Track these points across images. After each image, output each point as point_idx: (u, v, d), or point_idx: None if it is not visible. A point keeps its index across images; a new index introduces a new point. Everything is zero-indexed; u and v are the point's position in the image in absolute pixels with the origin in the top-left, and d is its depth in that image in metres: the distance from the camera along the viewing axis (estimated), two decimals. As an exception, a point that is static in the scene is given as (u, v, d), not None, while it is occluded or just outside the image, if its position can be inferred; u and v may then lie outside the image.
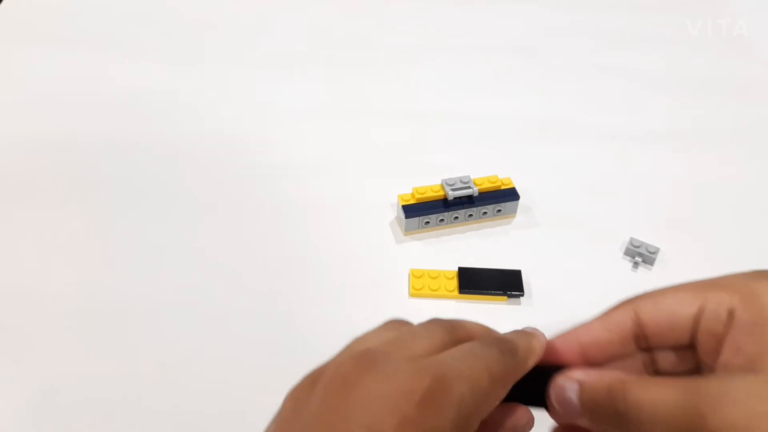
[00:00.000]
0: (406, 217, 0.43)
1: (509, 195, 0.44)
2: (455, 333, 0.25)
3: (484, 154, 0.50)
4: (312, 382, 0.23)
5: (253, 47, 0.62)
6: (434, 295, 0.40)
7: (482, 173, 0.45)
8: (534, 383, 0.24)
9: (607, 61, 0.61)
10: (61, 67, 0.59)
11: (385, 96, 0.57)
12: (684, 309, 0.25)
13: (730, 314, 0.24)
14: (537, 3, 0.68)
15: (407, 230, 0.44)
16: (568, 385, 0.24)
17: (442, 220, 0.44)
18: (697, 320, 0.25)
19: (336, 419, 0.21)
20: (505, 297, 0.40)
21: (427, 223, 0.44)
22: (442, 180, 0.44)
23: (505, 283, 0.41)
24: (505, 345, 0.24)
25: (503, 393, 0.23)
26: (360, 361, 0.22)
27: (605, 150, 0.52)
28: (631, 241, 0.43)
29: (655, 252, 0.42)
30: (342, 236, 0.44)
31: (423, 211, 0.43)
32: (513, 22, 0.66)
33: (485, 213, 0.45)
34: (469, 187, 0.43)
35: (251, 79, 0.58)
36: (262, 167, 0.50)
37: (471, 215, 0.44)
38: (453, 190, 0.43)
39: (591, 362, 0.26)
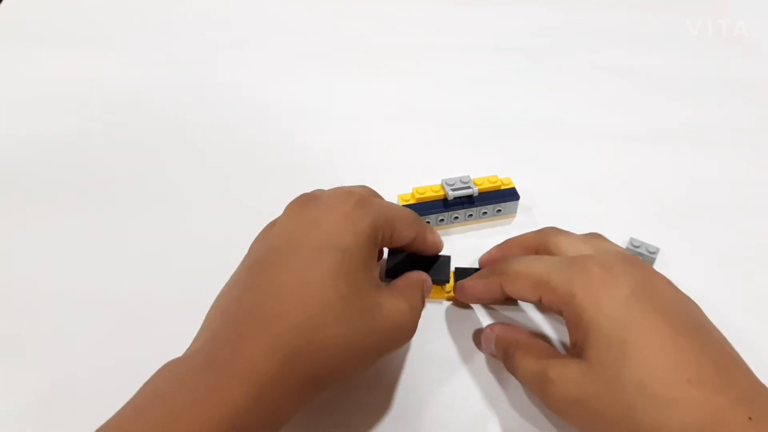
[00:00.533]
0: None
1: (509, 195, 0.44)
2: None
3: (484, 154, 0.50)
4: (271, 225, 0.34)
5: (252, 47, 0.62)
6: (432, 296, 0.40)
7: (482, 173, 0.45)
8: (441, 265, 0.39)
9: (607, 61, 0.61)
10: (61, 67, 0.59)
11: (385, 96, 0.57)
12: (529, 297, 0.34)
13: (558, 310, 0.32)
14: (537, 3, 0.68)
15: None
16: (489, 333, 0.36)
17: (442, 220, 0.44)
18: (540, 307, 0.39)
19: (298, 233, 0.30)
20: None
21: (427, 223, 0.44)
22: (442, 180, 0.44)
23: None
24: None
25: (414, 228, 0.35)
26: (305, 197, 0.33)
27: (605, 150, 0.52)
28: (631, 241, 0.43)
29: (655, 252, 0.42)
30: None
31: (423, 211, 0.43)
32: (513, 22, 0.66)
33: (485, 213, 0.45)
34: (469, 187, 0.43)
35: (251, 79, 0.58)
36: (261, 167, 0.50)
37: (471, 215, 0.44)
38: (453, 190, 0.43)
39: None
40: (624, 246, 0.44)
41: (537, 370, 0.31)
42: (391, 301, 0.31)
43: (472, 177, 0.44)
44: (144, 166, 0.50)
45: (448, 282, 0.39)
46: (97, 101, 0.55)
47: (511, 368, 0.34)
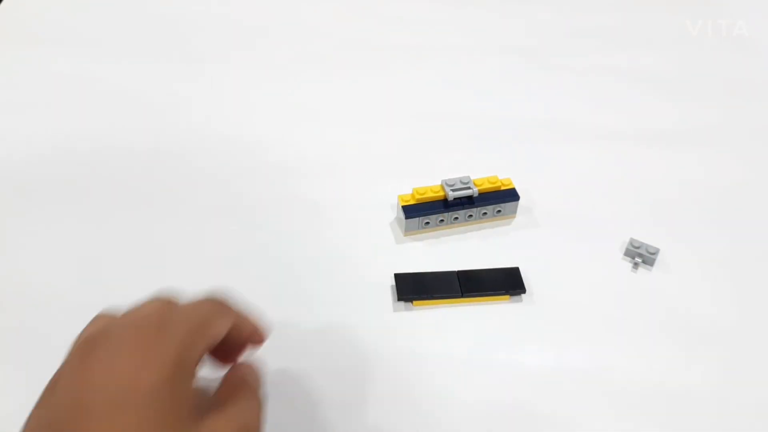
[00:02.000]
0: (406, 218, 0.43)
1: (509, 196, 0.44)
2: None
3: (484, 155, 0.50)
4: (51, 387, 0.27)
5: (252, 47, 0.62)
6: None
7: (482, 173, 0.45)
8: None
9: (607, 61, 0.61)
10: (61, 68, 0.59)
11: (385, 96, 0.57)
12: None
13: None
14: (537, 3, 0.68)
15: (407, 231, 0.44)
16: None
17: (442, 220, 0.44)
18: None
19: (85, 394, 0.24)
20: (508, 296, 0.41)
21: (427, 223, 0.44)
22: (442, 180, 0.44)
23: (505, 282, 0.41)
24: (214, 297, 0.30)
25: (222, 327, 0.29)
26: (90, 339, 0.27)
27: (605, 150, 0.52)
28: (631, 242, 0.43)
29: (655, 253, 0.42)
30: (341, 236, 0.44)
31: (423, 211, 0.43)
32: (513, 22, 0.66)
33: (485, 213, 0.45)
34: (468, 188, 0.43)
35: (251, 80, 0.58)
36: (260, 168, 0.50)
37: (471, 216, 0.44)
38: (453, 190, 0.43)
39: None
40: (624, 246, 0.44)
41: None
42: (220, 426, 0.26)
43: (472, 177, 0.44)
44: (144, 166, 0.50)
45: (525, 291, 0.41)
46: (97, 101, 0.55)
47: None
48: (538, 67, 0.61)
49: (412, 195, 0.44)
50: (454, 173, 0.45)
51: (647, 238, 0.43)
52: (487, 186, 0.44)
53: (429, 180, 0.45)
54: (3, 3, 0.66)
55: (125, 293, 0.41)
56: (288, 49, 0.62)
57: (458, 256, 0.43)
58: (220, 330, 0.29)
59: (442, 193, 0.44)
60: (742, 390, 0.37)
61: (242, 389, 0.30)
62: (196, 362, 0.27)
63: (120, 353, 0.25)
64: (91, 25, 0.64)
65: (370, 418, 0.35)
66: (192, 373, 0.27)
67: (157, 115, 0.54)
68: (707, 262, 0.43)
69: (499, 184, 0.44)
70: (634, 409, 0.36)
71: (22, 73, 0.58)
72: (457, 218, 0.44)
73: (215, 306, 0.29)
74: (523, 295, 0.41)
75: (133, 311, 0.28)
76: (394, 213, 0.46)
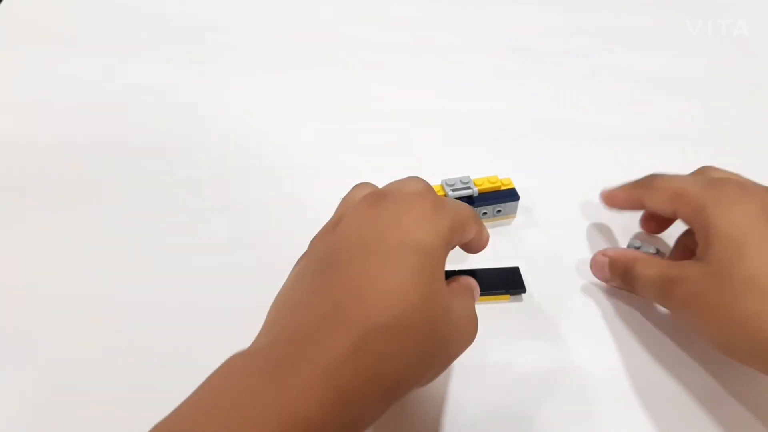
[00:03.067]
0: None
1: (509, 195, 0.44)
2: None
3: (484, 155, 0.50)
4: (333, 224, 0.31)
5: (252, 48, 0.62)
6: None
7: (482, 173, 0.45)
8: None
9: (607, 61, 0.61)
10: (62, 68, 0.59)
11: (385, 96, 0.57)
12: (665, 209, 0.37)
13: (689, 221, 0.36)
14: (536, 3, 0.68)
15: None
16: (600, 258, 0.40)
17: None
18: (673, 218, 0.40)
19: (374, 231, 0.28)
20: (508, 296, 0.40)
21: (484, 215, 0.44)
22: (442, 180, 0.44)
23: (505, 282, 0.41)
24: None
25: (471, 232, 0.33)
26: (376, 195, 0.30)
27: (605, 150, 0.52)
28: (631, 242, 0.43)
29: (655, 253, 0.42)
30: (342, 236, 0.44)
31: None
32: (513, 22, 0.66)
33: (485, 213, 0.45)
34: (468, 188, 0.43)
35: (251, 80, 0.58)
36: (261, 168, 0.50)
37: None
38: (453, 190, 0.43)
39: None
40: (624, 246, 0.44)
41: (660, 274, 0.35)
42: (460, 304, 0.31)
43: (472, 177, 0.44)
44: (144, 166, 0.50)
45: (525, 291, 0.41)
46: (97, 101, 0.55)
47: (631, 281, 0.37)
48: (538, 66, 0.61)
49: None
50: (454, 173, 0.45)
51: (647, 238, 0.43)
52: (487, 186, 0.44)
53: (428, 180, 0.45)
54: (3, 3, 0.66)
55: (127, 293, 0.41)
56: (288, 49, 0.62)
57: (458, 255, 0.43)
58: (471, 234, 0.33)
59: (442, 193, 0.44)
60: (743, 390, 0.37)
61: (471, 291, 0.34)
62: (453, 245, 0.31)
63: (405, 210, 0.29)
64: (91, 25, 0.64)
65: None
66: (445, 260, 0.30)
67: (158, 115, 0.54)
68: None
69: (499, 184, 0.44)
70: (635, 409, 0.36)
71: (22, 73, 0.58)
72: None
73: (473, 212, 0.33)
74: (523, 294, 0.41)
75: (407, 181, 0.32)
76: (394, 213, 0.46)
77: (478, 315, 0.32)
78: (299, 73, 0.59)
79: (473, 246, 0.35)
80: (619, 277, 0.39)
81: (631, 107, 0.56)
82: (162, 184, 0.48)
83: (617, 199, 0.41)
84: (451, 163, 0.48)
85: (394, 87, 0.58)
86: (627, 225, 0.45)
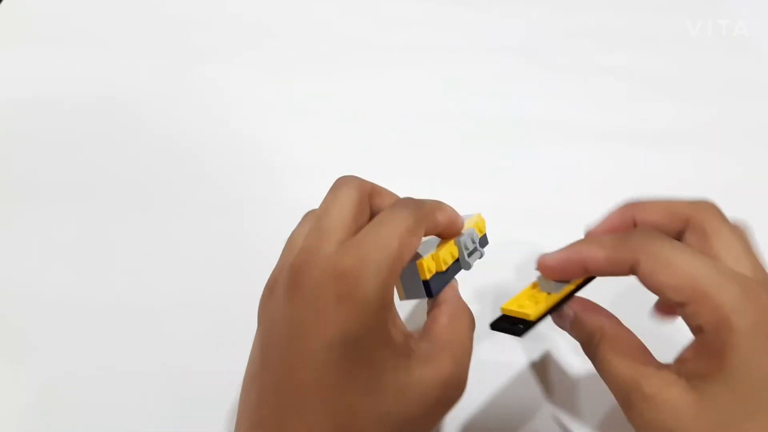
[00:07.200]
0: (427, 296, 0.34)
1: (483, 242, 0.37)
2: (366, 200, 0.30)
3: (484, 155, 0.50)
4: (270, 288, 0.29)
5: (252, 47, 0.62)
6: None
7: (482, 173, 0.45)
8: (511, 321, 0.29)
9: (607, 61, 0.61)
10: (62, 68, 0.59)
11: (385, 96, 0.57)
12: (671, 227, 0.31)
13: (698, 244, 0.28)
14: (536, 3, 0.68)
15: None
16: (565, 310, 0.30)
17: None
18: (680, 236, 0.30)
19: (291, 336, 0.25)
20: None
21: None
22: (456, 241, 0.34)
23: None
24: (411, 201, 0.29)
25: (417, 241, 0.27)
26: (291, 272, 0.26)
27: (605, 150, 0.52)
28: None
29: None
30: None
31: (443, 283, 0.34)
32: (513, 22, 0.66)
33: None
34: (476, 249, 0.36)
35: (251, 80, 0.58)
36: (261, 168, 0.50)
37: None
38: (469, 255, 0.35)
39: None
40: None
41: (629, 376, 0.25)
42: (425, 366, 0.26)
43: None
44: (144, 166, 0.50)
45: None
46: (96, 101, 0.55)
47: (593, 360, 0.28)
48: (538, 66, 0.61)
49: (428, 267, 0.32)
50: (454, 173, 0.45)
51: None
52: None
53: (428, 180, 0.45)
54: (3, 3, 0.66)
55: (127, 293, 0.41)
56: (289, 49, 0.62)
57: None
58: (419, 240, 0.28)
59: (454, 256, 0.33)
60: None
61: (461, 314, 0.30)
62: (392, 294, 0.27)
63: (326, 301, 0.25)
64: (91, 25, 0.64)
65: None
66: (389, 315, 0.26)
67: (158, 115, 0.54)
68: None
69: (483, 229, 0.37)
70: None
71: (22, 73, 0.58)
72: None
73: (413, 218, 0.28)
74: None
75: (323, 256, 0.26)
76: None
77: (477, 315, 0.32)
78: (299, 73, 0.59)
79: (448, 232, 0.31)
80: (580, 343, 0.30)
81: (631, 107, 0.56)
82: (162, 184, 0.48)
83: (593, 266, 0.29)
84: (450, 163, 0.48)
85: (394, 87, 0.58)
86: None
